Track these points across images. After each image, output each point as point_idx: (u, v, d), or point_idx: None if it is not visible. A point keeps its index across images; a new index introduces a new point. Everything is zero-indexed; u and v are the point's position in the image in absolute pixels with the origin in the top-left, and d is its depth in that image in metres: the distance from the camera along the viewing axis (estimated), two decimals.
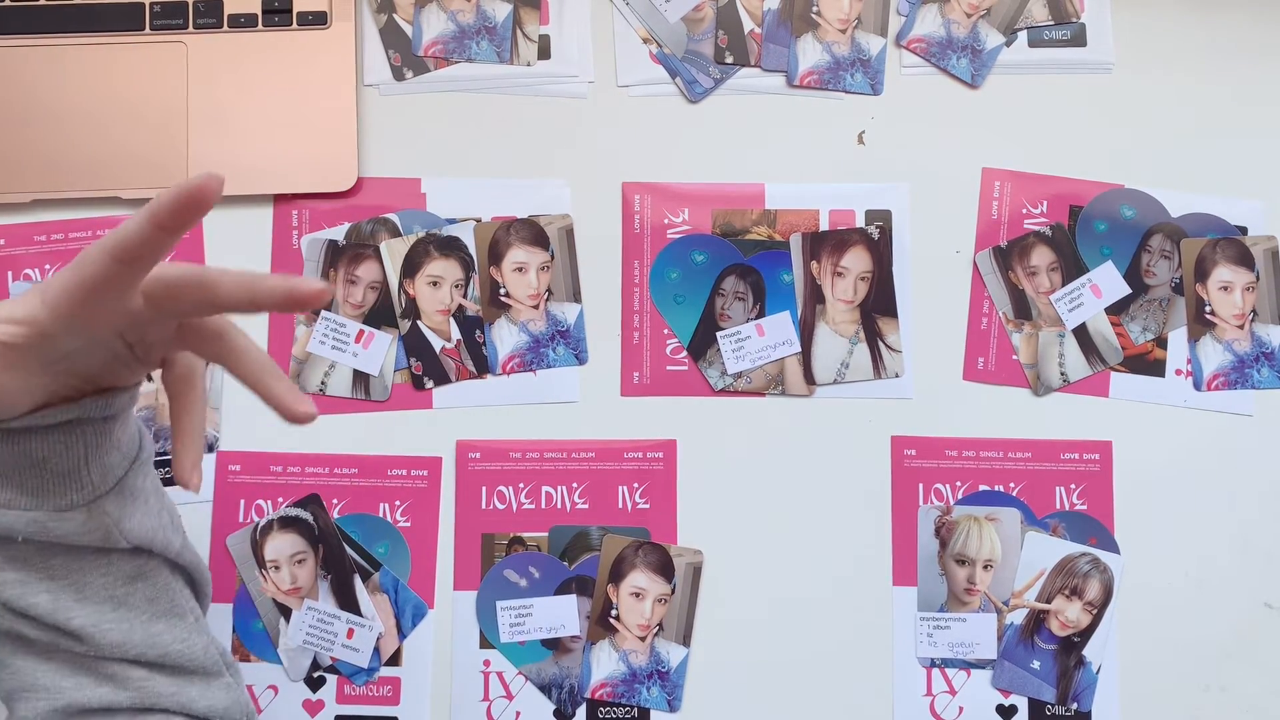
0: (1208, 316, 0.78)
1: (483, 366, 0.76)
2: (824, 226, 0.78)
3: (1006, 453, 0.76)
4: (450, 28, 0.80)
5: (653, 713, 0.74)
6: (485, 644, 0.74)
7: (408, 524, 0.75)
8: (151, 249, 0.44)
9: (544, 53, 0.80)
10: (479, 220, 0.78)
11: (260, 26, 0.78)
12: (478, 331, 0.77)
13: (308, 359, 0.76)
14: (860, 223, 0.78)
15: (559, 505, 0.76)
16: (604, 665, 0.74)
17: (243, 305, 0.45)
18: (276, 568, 0.74)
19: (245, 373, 0.50)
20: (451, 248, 0.77)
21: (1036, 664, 0.74)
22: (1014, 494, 0.76)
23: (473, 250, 0.77)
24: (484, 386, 0.76)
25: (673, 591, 0.75)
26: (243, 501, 0.75)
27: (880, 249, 0.78)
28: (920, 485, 0.76)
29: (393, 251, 0.77)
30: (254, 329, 0.76)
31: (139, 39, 0.77)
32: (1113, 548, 0.76)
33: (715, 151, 0.79)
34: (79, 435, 0.49)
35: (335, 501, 0.75)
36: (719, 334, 0.77)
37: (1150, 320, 0.78)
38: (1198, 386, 0.77)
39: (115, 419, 0.51)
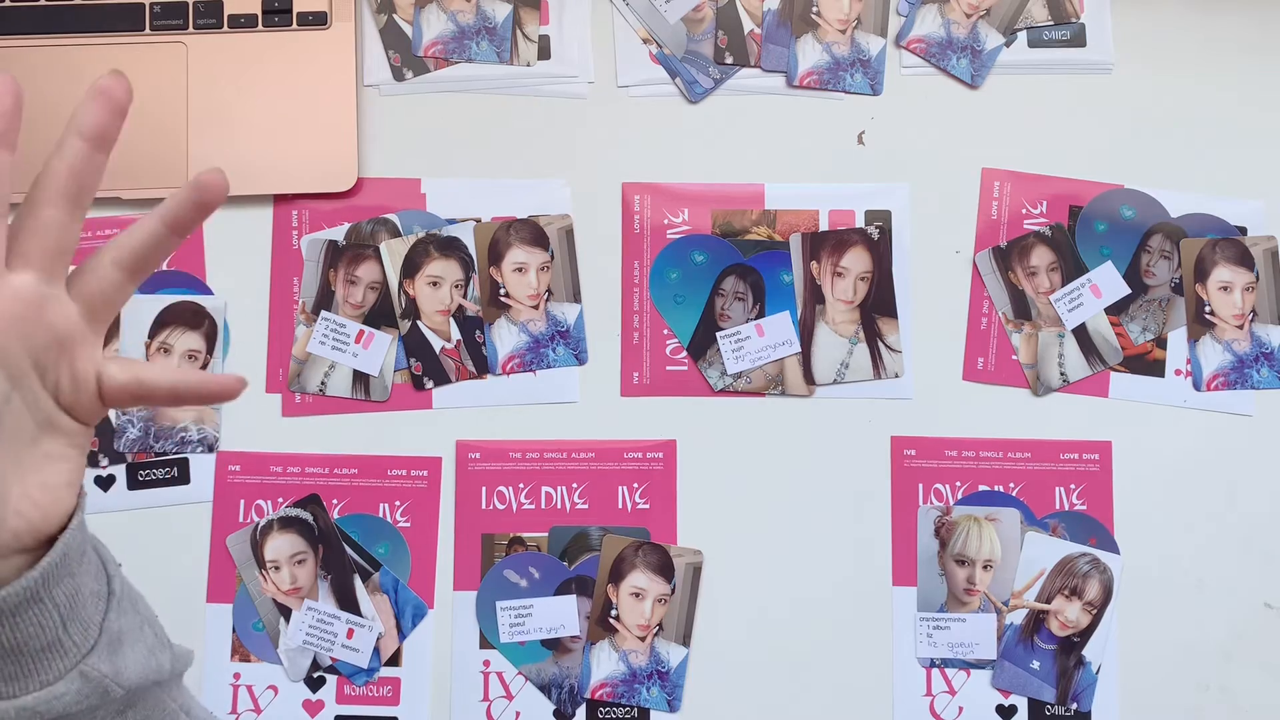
0: (1207, 316, 0.78)
1: (483, 367, 0.76)
2: (824, 227, 0.78)
3: (1006, 453, 0.76)
4: (450, 28, 0.80)
5: (652, 713, 0.74)
6: (485, 644, 0.74)
7: (408, 524, 0.75)
8: (161, 252, 0.43)
9: (544, 53, 0.80)
10: (479, 220, 0.78)
11: (260, 27, 0.78)
12: (478, 332, 0.77)
13: (308, 359, 0.76)
14: (860, 223, 0.78)
15: (559, 505, 0.76)
16: (604, 665, 0.74)
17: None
18: (276, 568, 0.74)
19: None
20: (451, 248, 0.77)
21: (1036, 664, 0.74)
22: (1014, 494, 0.76)
23: (473, 250, 0.77)
24: (484, 386, 0.77)
25: (673, 591, 0.75)
26: (243, 501, 0.75)
27: (880, 249, 0.78)
28: (920, 485, 0.76)
29: (393, 252, 0.77)
30: (254, 328, 0.76)
31: (139, 39, 0.77)
32: (1112, 548, 0.76)
33: (715, 151, 0.79)
34: (50, 604, 0.41)
35: (335, 501, 0.75)
36: (719, 334, 0.77)
37: (1150, 320, 0.78)
38: (1197, 386, 0.77)
39: (79, 564, 0.42)
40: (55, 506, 0.41)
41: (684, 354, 0.77)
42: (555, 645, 0.74)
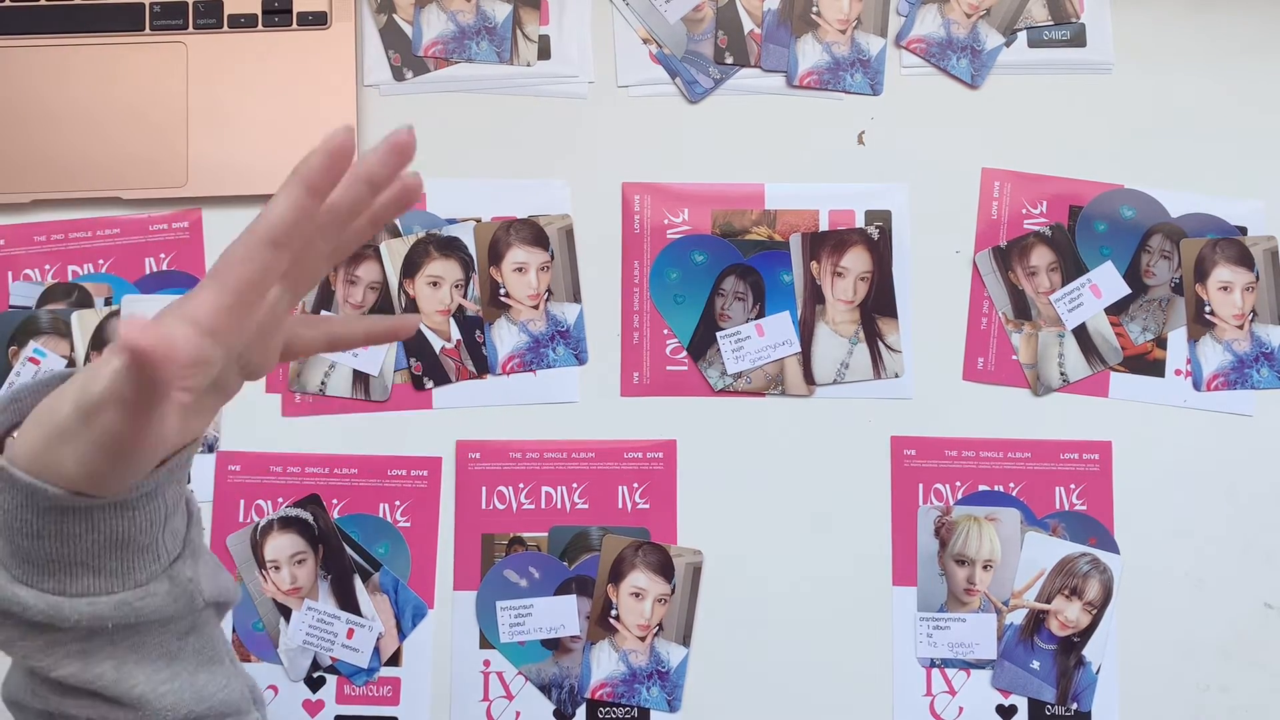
0: (1207, 316, 0.78)
1: (483, 366, 0.76)
2: (824, 226, 0.78)
3: (1006, 453, 0.76)
4: (450, 28, 0.80)
5: (652, 713, 0.74)
6: (485, 644, 0.74)
7: (408, 524, 0.75)
8: (306, 223, 0.44)
9: (544, 53, 0.80)
10: (479, 220, 0.78)
11: (260, 26, 0.78)
12: (478, 331, 0.77)
13: (308, 359, 0.76)
14: (860, 223, 0.78)
15: (559, 505, 0.76)
16: (604, 665, 0.74)
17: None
18: (276, 568, 0.74)
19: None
20: (451, 248, 0.77)
21: (1036, 664, 0.74)
22: (1014, 494, 0.76)
23: (473, 250, 0.77)
24: (484, 386, 0.77)
25: (673, 591, 0.75)
26: (243, 501, 0.75)
27: (880, 249, 0.78)
28: (920, 485, 0.76)
29: (393, 251, 0.77)
30: None
31: (139, 39, 0.77)
32: (1112, 548, 0.76)
33: (715, 151, 0.79)
34: (159, 504, 0.44)
35: (335, 501, 0.75)
36: (719, 334, 0.77)
37: (1150, 320, 0.78)
38: (1197, 386, 0.77)
39: (181, 475, 0.47)
40: (190, 437, 0.45)
41: (684, 354, 0.77)
42: (555, 645, 0.74)
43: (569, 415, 0.76)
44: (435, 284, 0.77)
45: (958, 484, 0.76)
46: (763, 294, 0.77)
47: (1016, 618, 0.75)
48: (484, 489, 0.76)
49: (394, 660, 0.74)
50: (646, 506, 0.76)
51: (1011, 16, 0.80)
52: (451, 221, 0.78)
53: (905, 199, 0.79)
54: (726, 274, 0.78)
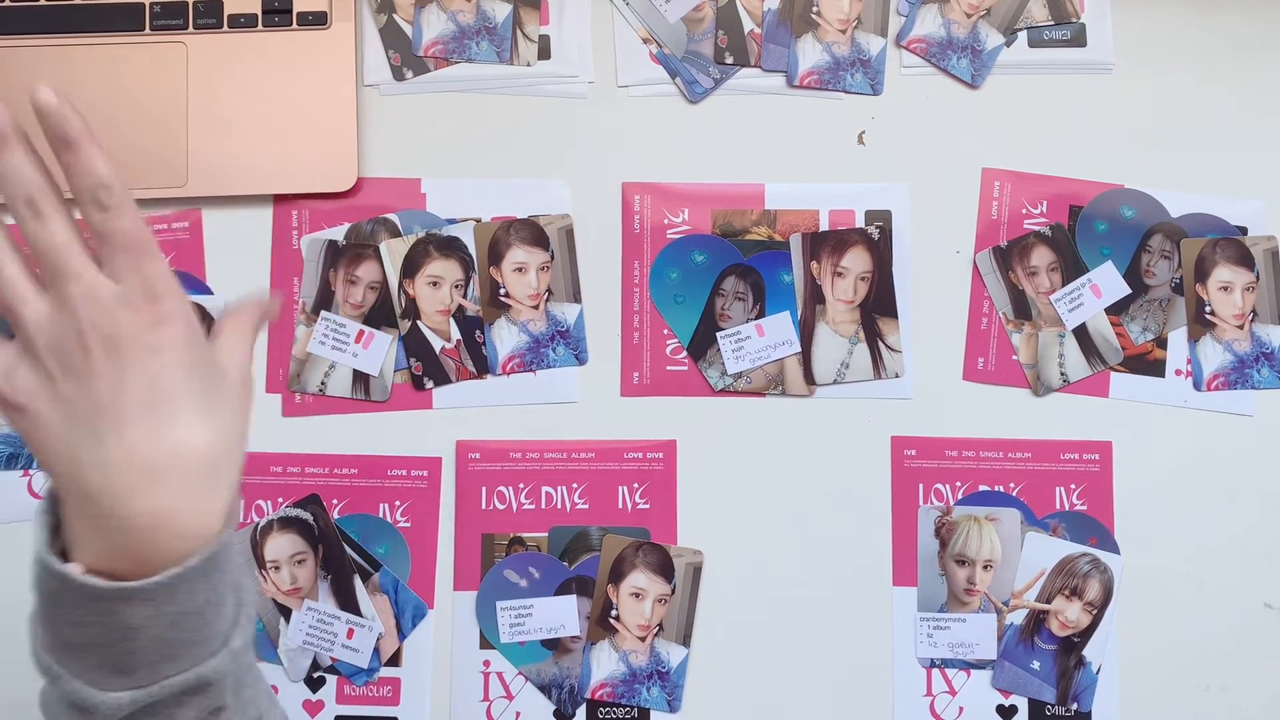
0: (1208, 316, 0.78)
1: (483, 366, 0.76)
2: (824, 226, 0.78)
3: (1006, 453, 0.76)
4: (450, 28, 0.80)
5: (653, 713, 0.74)
6: (485, 644, 0.74)
7: (408, 524, 0.75)
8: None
9: (544, 53, 0.80)
10: (479, 220, 0.78)
11: (260, 26, 0.78)
12: (478, 331, 0.77)
13: (308, 359, 0.76)
14: (860, 223, 0.78)
15: (559, 505, 0.76)
16: (604, 665, 0.74)
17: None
18: (276, 568, 0.74)
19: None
20: (451, 248, 0.77)
21: (1036, 664, 0.74)
22: (1014, 494, 0.76)
23: (473, 250, 0.77)
24: (484, 386, 0.77)
25: (673, 591, 0.75)
26: (242, 501, 0.75)
27: (880, 249, 0.78)
28: (920, 485, 0.76)
29: (393, 251, 0.77)
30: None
31: (139, 39, 0.77)
32: (1113, 548, 0.76)
33: (715, 151, 0.79)
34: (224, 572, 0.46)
35: (335, 501, 0.75)
36: (719, 334, 0.77)
37: (1150, 320, 0.78)
38: (1198, 386, 0.77)
39: None
40: None
41: (684, 354, 0.77)
42: (555, 645, 0.74)
43: (569, 415, 0.76)
44: (435, 284, 0.77)
45: (958, 484, 0.76)
46: (763, 294, 0.77)
47: (1017, 618, 0.75)
48: (484, 489, 0.76)
49: (394, 660, 0.74)
50: (646, 506, 0.76)
51: (1011, 16, 0.80)
52: (451, 221, 0.78)
53: (905, 199, 0.79)
54: (726, 274, 0.78)
